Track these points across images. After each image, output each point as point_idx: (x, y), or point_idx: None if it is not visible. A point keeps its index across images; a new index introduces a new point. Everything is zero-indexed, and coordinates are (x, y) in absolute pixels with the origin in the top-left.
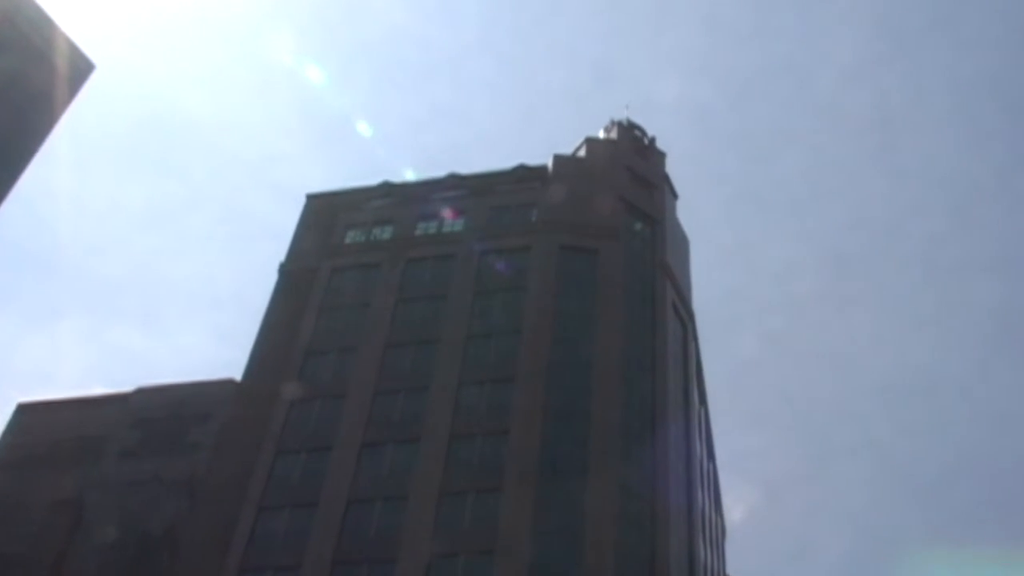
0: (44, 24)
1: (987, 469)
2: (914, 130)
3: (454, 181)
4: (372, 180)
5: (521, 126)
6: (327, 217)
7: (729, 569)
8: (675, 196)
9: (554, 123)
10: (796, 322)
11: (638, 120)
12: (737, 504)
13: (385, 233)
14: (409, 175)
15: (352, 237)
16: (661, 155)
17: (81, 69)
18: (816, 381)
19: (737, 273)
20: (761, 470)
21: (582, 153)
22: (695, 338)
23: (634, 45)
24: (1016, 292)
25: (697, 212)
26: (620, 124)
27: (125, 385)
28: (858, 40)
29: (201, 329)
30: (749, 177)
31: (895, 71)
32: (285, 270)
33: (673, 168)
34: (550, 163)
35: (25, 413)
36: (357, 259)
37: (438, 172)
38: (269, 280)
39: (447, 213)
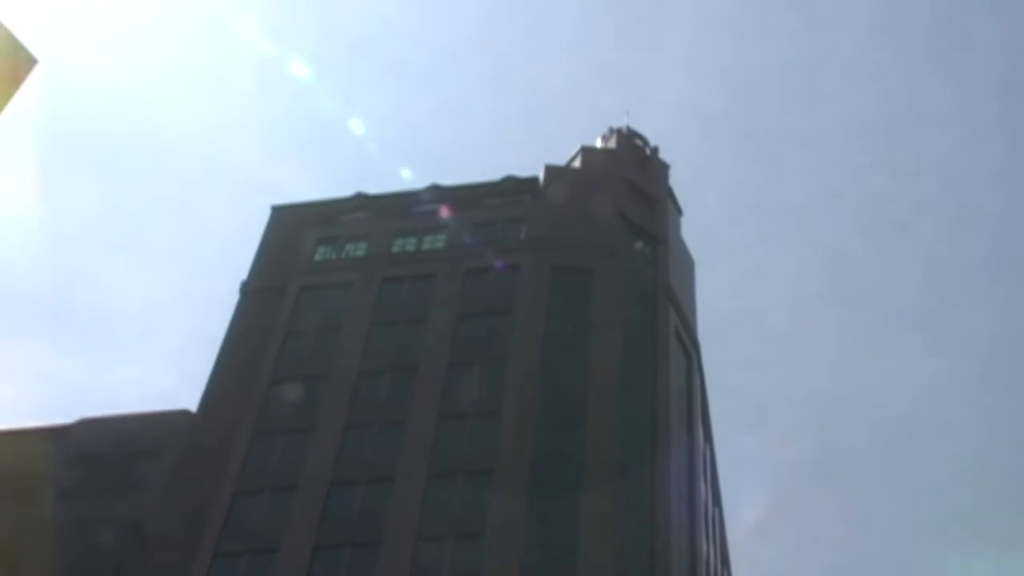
0: None
1: (991, 469)
2: (918, 130)
3: (435, 193)
4: (363, 187)
5: (520, 125)
6: (295, 231)
7: None
8: (679, 212)
9: (554, 123)
10: (799, 323)
11: (640, 123)
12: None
13: (359, 250)
14: (406, 174)
15: (322, 253)
16: (664, 167)
17: (21, 64)
18: (818, 382)
19: (737, 273)
20: (763, 474)
21: (577, 163)
22: (700, 370)
23: (635, 45)
24: (1020, 293)
25: (697, 213)
26: (619, 132)
27: (65, 417)
28: (861, 39)
29: (152, 354)
30: (750, 177)
31: (899, 71)
32: (248, 289)
33: (674, 169)
34: (541, 174)
35: None
36: (327, 278)
37: (432, 173)
38: (230, 300)
39: (427, 228)
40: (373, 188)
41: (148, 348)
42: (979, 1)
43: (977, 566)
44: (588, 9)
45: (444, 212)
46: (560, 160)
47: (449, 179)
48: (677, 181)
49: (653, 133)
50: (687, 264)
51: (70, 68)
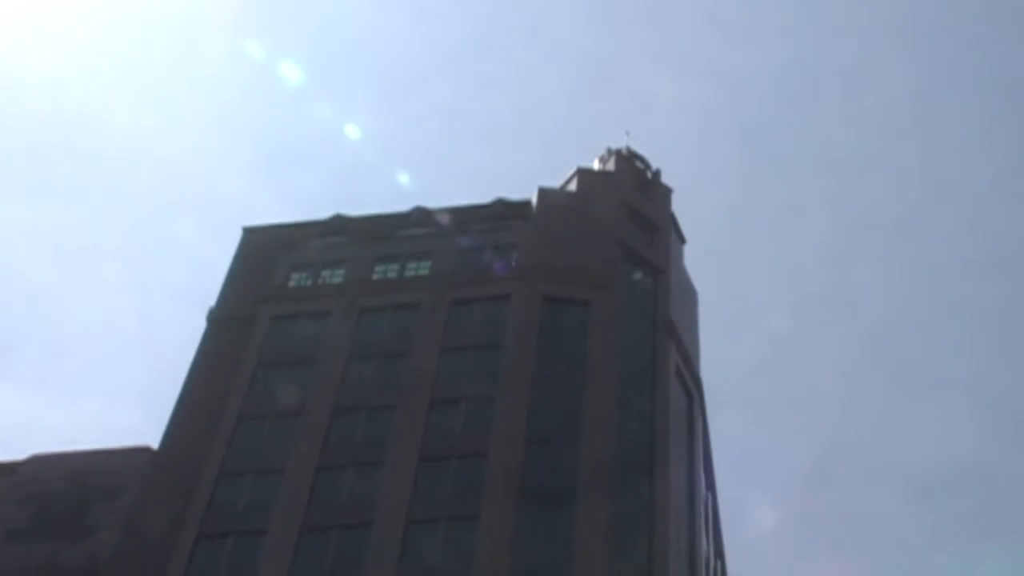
0: None
1: (992, 471)
2: (920, 129)
3: (420, 216)
4: (352, 200)
5: (518, 127)
6: (267, 255)
7: None
8: (682, 240)
9: (552, 125)
10: (800, 324)
11: (639, 123)
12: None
13: (336, 276)
14: (403, 178)
15: (297, 280)
16: (666, 191)
17: None
18: (820, 383)
19: (738, 273)
20: (766, 474)
21: (572, 186)
22: (703, 412)
23: (634, 44)
24: (1022, 293)
25: (699, 212)
26: (618, 153)
27: (15, 453)
28: (863, 38)
29: (111, 387)
30: (752, 177)
31: (900, 70)
32: (215, 318)
33: (674, 168)
34: (534, 197)
35: None
36: (302, 306)
37: (428, 180)
38: (196, 330)
39: (411, 253)
40: (359, 199)
41: (107, 381)
42: (982, 1)
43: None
44: (588, 9)
45: (429, 237)
46: (557, 173)
47: (447, 185)
48: (681, 191)
49: (652, 133)
50: (690, 296)
51: (23, 69)
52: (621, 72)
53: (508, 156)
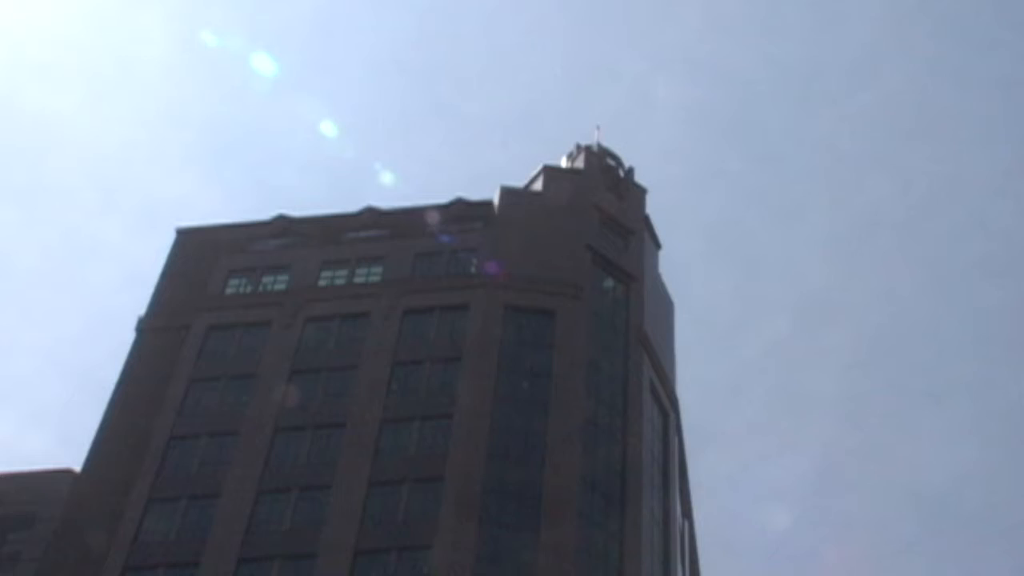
0: None
1: (996, 477)
2: (923, 130)
3: (371, 217)
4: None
5: (513, 126)
6: (203, 259)
7: None
8: (657, 246)
9: (547, 124)
10: (800, 326)
11: (638, 123)
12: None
13: (279, 282)
14: (387, 178)
15: (236, 286)
16: (640, 192)
17: None
18: (822, 385)
19: (739, 275)
20: (768, 476)
21: (538, 186)
22: (679, 432)
23: (631, 43)
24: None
25: (701, 212)
26: (588, 150)
27: None
28: (865, 38)
29: (26, 407)
30: (753, 177)
31: (903, 70)
32: (145, 327)
33: (676, 168)
34: (496, 197)
35: None
36: (241, 315)
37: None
38: (124, 340)
39: (361, 258)
40: (313, 199)
41: (22, 400)
42: (986, 1)
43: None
44: (582, 4)
45: (381, 240)
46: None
47: (421, 184)
48: (677, 192)
49: (652, 133)
50: (665, 306)
51: None
52: (615, 69)
53: (496, 155)
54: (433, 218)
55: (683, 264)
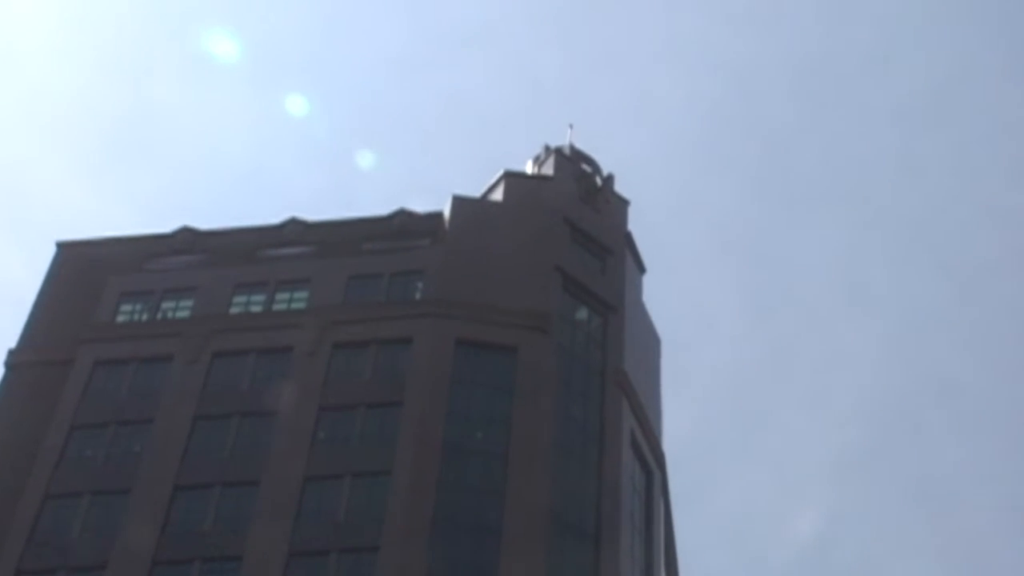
0: None
1: (1008, 476)
2: (935, 124)
3: (295, 231)
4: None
5: (511, 122)
6: (90, 280)
7: None
8: (641, 269)
9: (544, 121)
10: (808, 324)
11: (637, 121)
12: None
13: (182, 309)
14: (367, 158)
15: (129, 313)
16: (621, 203)
17: None
18: (829, 384)
19: (743, 271)
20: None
21: (497, 196)
22: (665, 493)
23: (631, 32)
24: None
25: (705, 206)
26: (558, 153)
27: None
28: (877, 27)
29: None
30: (760, 172)
31: (916, 60)
32: (17, 362)
33: (680, 162)
34: (447, 209)
35: None
36: (136, 348)
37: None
38: None
39: (283, 280)
40: (230, 211)
41: None
42: None
43: None
44: None
45: (308, 259)
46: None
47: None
48: (672, 193)
49: (651, 131)
50: (650, 342)
51: None
52: (616, 64)
53: (484, 155)
54: (370, 233)
55: (675, 290)
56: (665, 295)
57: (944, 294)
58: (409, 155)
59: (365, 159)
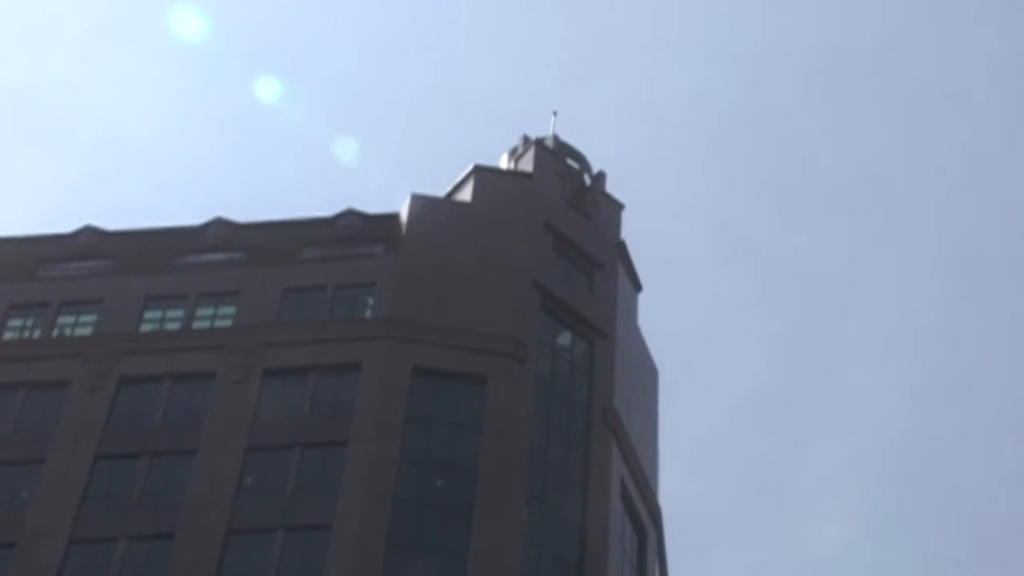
0: None
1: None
2: (947, 119)
3: (220, 234)
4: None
5: (504, 118)
6: None
7: None
8: (636, 287)
9: (540, 117)
10: (817, 324)
11: (636, 118)
12: None
13: (83, 325)
14: (351, 145)
15: (18, 329)
16: (614, 207)
17: None
18: (839, 387)
19: (757, 287)
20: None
21: (465, 195)
22: (660, 556)
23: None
24: None
25: (712, 211)
26: (539, 145)
27: None
28: (886, 19)
29: None
30: (774, 175)
31: (927, 54)
32: None
33: (683, 160)
34: (404, 210)
35: None
36: (26, 371)
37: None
38: None
39: (205, 293)
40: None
41: None
42: None
43: None
44: None
45: (237, 267)
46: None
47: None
48: (670, 194)
49: (650, 130)
50: (646, 374)
51: None
52: (612, 51)
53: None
54: (311, 237)
55: (676, 312)
56: (664, 317)
57: (959, 297)
58: (394, 147)
59: (346, 149)
